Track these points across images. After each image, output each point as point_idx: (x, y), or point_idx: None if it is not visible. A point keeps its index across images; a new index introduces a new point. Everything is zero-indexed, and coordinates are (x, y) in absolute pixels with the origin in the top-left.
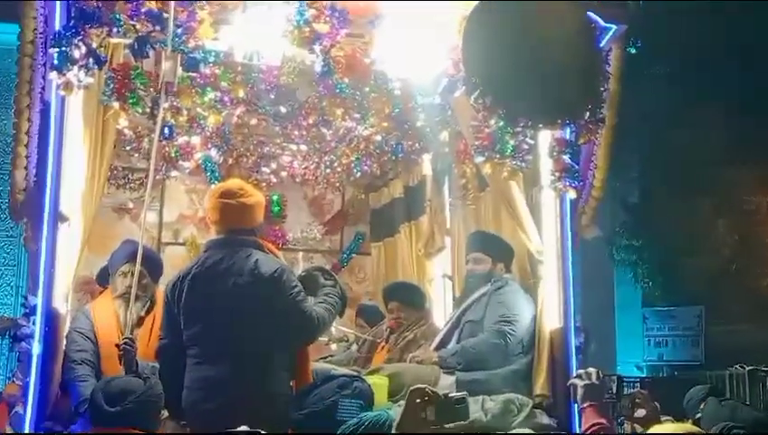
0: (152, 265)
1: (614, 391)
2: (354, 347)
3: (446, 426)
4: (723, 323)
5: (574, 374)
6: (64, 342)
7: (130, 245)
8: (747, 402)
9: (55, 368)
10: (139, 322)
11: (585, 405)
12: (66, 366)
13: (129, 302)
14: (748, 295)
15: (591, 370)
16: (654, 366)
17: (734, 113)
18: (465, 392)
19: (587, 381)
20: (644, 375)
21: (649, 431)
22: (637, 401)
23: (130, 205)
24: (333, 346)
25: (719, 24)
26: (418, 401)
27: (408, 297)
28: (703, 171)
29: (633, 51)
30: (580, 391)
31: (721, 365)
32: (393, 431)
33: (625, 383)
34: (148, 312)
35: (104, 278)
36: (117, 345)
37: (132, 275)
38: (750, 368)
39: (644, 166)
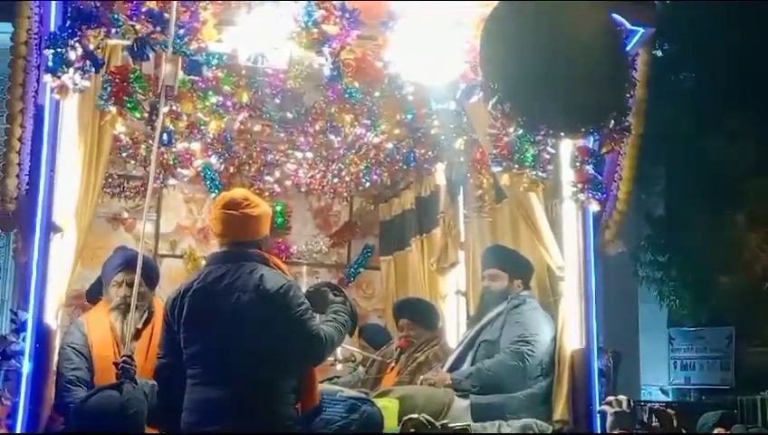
0: (148, 273)
1: (645, 420)
2: (361, 368)
3: None
4: (755, 344)
5: (604, 401)
6: (56, 359)
7: (124, 252)
8: None
9: (46, 387)
10: (137, 334)
11: (615, 434)
12: (61, 386)
13: (126, 313)
14: None
15: (622, 397)
16: (680, 390)
17: (767, 121)
18: (467, 423)
19: (617, 409)
20: (670, 400)
21: None
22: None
23: (125, 215)
24: (339, 367)
25: (751, 28)
26: (413, 431)
27: (420, 315)
28: (733, 183)
29: (660, 54)
30: (609, 419)
31: (752, 389)
32: None
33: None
34: (145, 323)
35: (94, 294)
36: (115, 363)
37: (127, 284)
38: None
39: (671, 177)
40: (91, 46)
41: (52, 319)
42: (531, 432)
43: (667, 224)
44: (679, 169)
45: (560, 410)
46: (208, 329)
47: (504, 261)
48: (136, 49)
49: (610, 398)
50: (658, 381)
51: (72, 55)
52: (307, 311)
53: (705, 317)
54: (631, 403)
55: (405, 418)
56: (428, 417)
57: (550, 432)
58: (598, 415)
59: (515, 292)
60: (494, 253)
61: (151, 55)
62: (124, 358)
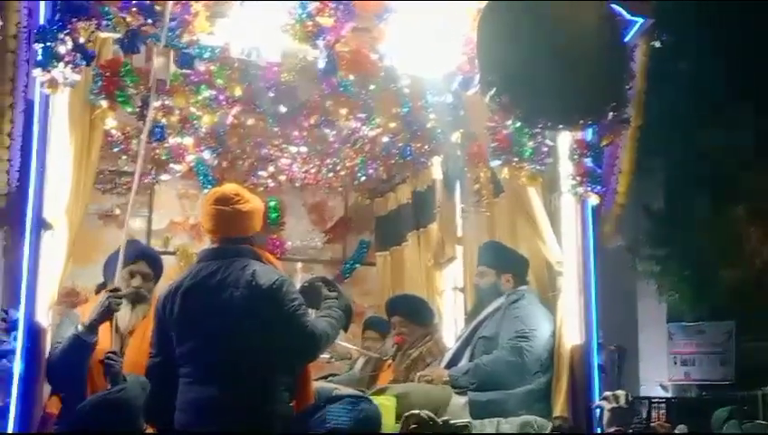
0: (157, 266)
1: (643, 416)
2: (358, 365)
3: None
4: (755, 339)
5: (601, 396)
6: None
7: (137, 244)
8: None
9: (38, 387)
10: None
11: (611, 430)
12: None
13: (136, 304)
14: None
15: (620, 392)
16: (680, 386)
17: None
18: (468, 420)
19: (614, 405)
20: (669, 396)
21: None
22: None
23: (117, 211)
24: (336, 363)
25: (752, 18)
26: (414, 427)
27: (412, 312)
28: (734, 176)
29: (659, 45)
30: (606, 415)
31: (753, 385)
32: None
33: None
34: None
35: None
36: (100, 361)
37: (141, 275)
38: None
39: (670, 170)
40: (82, 39)
41: (44, 317)
42: (530, 429)
43: (666, 217)
44: (679, 162)
45: (559, 406)
46: (201, 326)
47: (489, 258)
48: (127, 42)
49: (608, 393)
50: (658, 377)
51: (62, 49)
52: (300, 306)
53: (705, 312)
54: (629, 398)
55: (407, 414)
56: (430, 413)
57: (549, 429)
58: (596, 410)
59: (505, 288)
60: (482, 250)
61: (142, 48)
62: (108, 354)
